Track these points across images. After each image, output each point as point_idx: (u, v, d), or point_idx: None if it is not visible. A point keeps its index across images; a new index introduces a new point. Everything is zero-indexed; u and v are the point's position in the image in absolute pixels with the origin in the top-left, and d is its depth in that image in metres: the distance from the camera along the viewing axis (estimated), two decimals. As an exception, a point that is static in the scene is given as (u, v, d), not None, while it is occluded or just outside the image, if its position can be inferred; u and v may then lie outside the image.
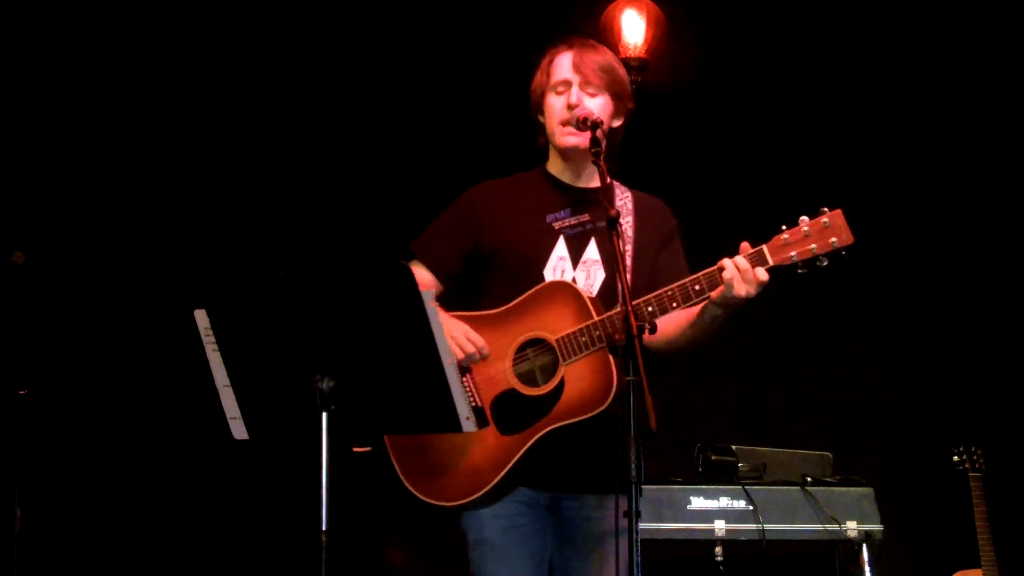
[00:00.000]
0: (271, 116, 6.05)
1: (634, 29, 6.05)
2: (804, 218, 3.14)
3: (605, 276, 3.36)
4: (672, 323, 3.31)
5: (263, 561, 5.83)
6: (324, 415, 2.83)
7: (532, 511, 3.34)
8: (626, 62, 5.97)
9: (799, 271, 3.13)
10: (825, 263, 3.13)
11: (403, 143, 6.06)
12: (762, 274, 3.11)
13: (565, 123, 3.34)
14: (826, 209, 3.14)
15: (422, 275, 3.41)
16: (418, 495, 3.31)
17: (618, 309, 3.16)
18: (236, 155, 6.05)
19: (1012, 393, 5.77)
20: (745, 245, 3.15)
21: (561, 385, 3.22)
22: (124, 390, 5.86)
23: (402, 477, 3.32)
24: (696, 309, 3.24)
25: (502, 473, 3.24)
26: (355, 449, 3.25)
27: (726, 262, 3.12)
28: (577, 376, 3.21)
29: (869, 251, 5.83)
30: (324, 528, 2.80)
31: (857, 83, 5.98)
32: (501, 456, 3.25)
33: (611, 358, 3.18)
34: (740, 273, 3.10)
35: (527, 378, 3.27)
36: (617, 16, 6.07)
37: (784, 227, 3.14)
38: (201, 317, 2.86)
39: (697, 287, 3.16)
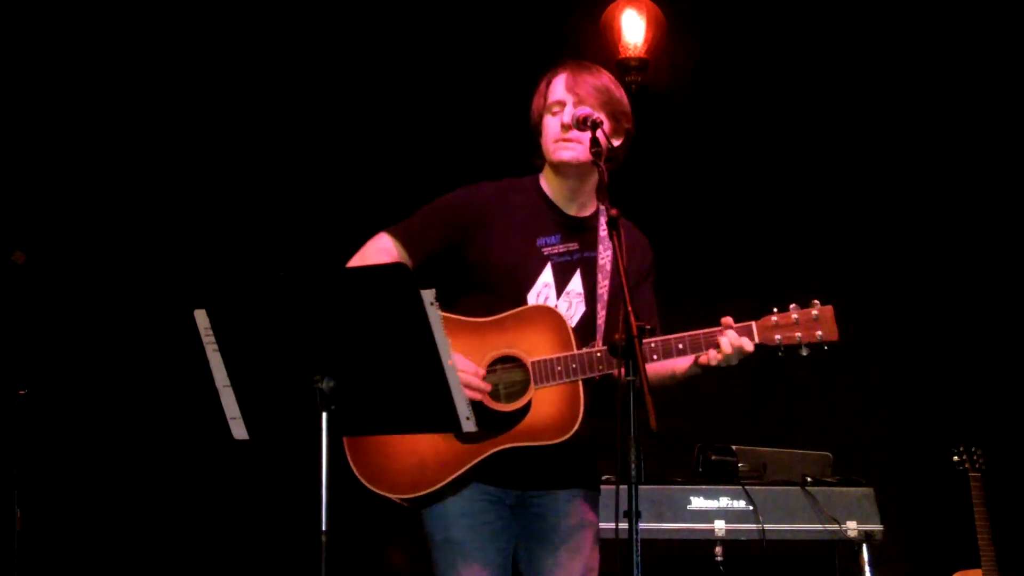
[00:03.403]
0: (271, 116, 6.05)
1: (634, 29, 6.05)
2: (794, 306, 3.26)
3: (585, 310, 3.37)
4: (652, 372, 3.31)
5: (263, 561, 5.83)
6: (324, 415, 2.83)
7: (497, 508, 3.35)
8: (626, 62, 5.99)
9: (779, 354, 3.27)
10: (805, 353, 3.27)
11: (403, 144, 6.06)
12: (748, 346, 3.21)
13: (559, 140, 3.34)
14: (817, 302, 3.27)
15: (392, 250, 3.37)
16: (361, 479, 3.32)
17: (596, 348, 3.23)
18: (236, 155, 6.05)
19: (1012, 393, 5.76)
20: (728, 320, 3.22)
21: (527, 407, 3.24)
22: (124, 390, 5.86)
23: (349, 458, 3.32)
24: (681, 364, 3.30)
25: (448, 479, 3.26)
26: None
27: (722, 340, 3.19)
28: (546, 402, 3.23)
29: (869, 251, 5.90)
30: (324, 528, 2.80)
31: (857, 83, 5.98)
32: (451, 461, 3.26)
33: (582, 393, 3.21)
34: (730, 349, 3.20)
35: (493, 392, 3.27)
36: (617, 16, 6.07)
37: (775, 309, 3.24)
38: (201, 317, 2.86)
39: (680, 346, 3.23)
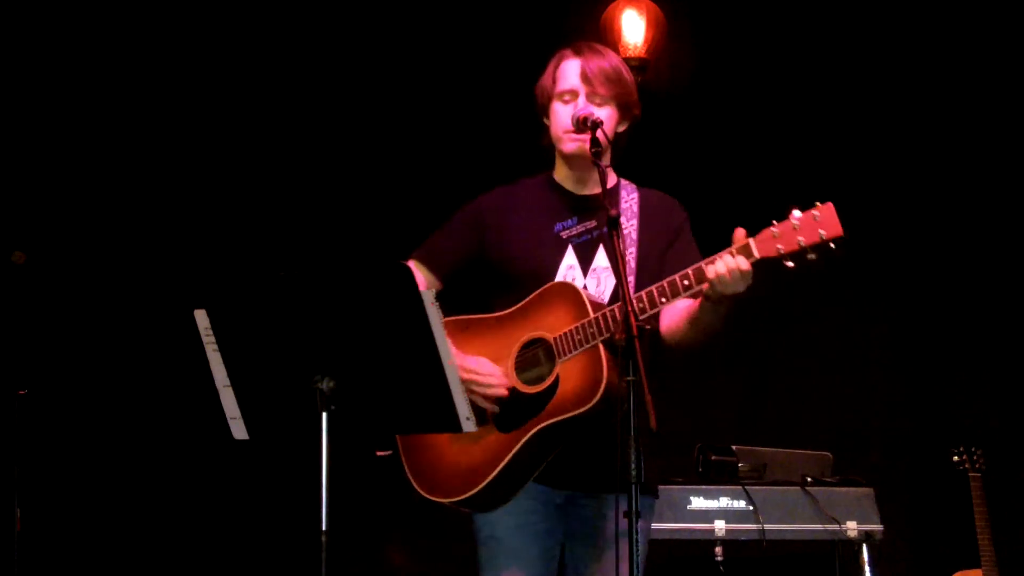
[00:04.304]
0: (271, 116, 6.05)
1: (634, 29, 6.05)
2: (795, 211, 3.07)
3: (615, 282, 3.35)
4: (675, 318, 3.31)
5: (263, 561, 5.83)
6: (324, 415, 2.83)
7: (545, 509, 3.34)
8: (626, 62, 5.98)
9: (787, 264, 3.05)
10: (813, 256, 3.03)
11: (402, 143, 6.06)
12: (743, 264, 3.05)
13: (569, 132, 3.33)
14: (819, 203, 3.06)
15: (420, 274, 3.42)
16: (420, 491, 3.34)
17: (608, 308, 3.18)
18: (236, 155, 6.05)
19: (1012, 393, 5.76)
20: (739, 232, 3.10)
21: (556, 383, 3.23)
22: (124, 390, 5.86)
23: (408, 473, 3.35)
24: (696, 304, 3.22)
25: (496, 471, 3.25)
26: (378, 453, 3.29)
27: (710, 270, 3.07)
28: (570, 373, 3.22)
29: (868, 250, 5.90)
30: (324, 528, 2.80)
31: (855, 82, 5.98)
32: (496, 454, 3.26)
33: (603, 355, 3.17)
34: (727, 272, 3.06)
35: (528, 377, 3.28)
36: (617, 16, 6.07)
37: (775, 221, 3.08)
38: (201, 317, 2.86)
39: (685, 282, 3.12)
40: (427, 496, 3.34)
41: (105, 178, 6.01)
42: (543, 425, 3.22)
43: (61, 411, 5.78)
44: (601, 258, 3.37)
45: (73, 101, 5.96)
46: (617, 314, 3.10)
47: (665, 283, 3.15)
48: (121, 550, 5.83)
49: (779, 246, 3.05)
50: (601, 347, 3.18)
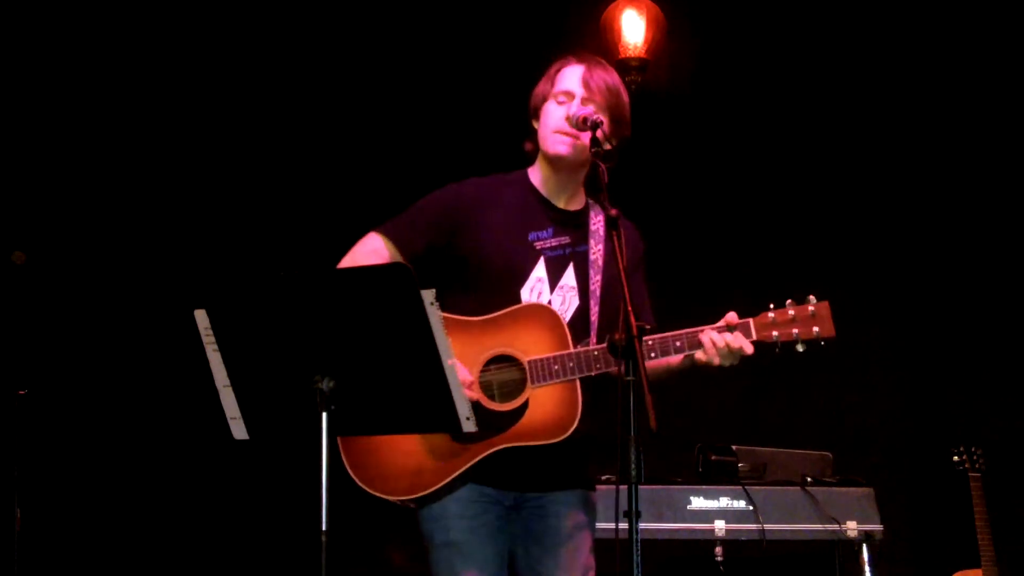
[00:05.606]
0: (270, 116, 6.05)
1: (634, 29, 6.05)
2: (790, 302, 3.25)
3: (579, 304, 3.36)
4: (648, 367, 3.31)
5: (263, 561, 5.83)
6: (324, 415, 2.83)
7: (496, 509, 3.34)
8: (626, 62, 6.00)
9: (776, 351, 3.25)
10: (802, 349, 3.25)
11: (402, 143, 6.06)
12: (748, 348, 3.20)
13: (558, 132, 3.33)
14: (813, 298, 3.25)
15: (384, 251, 3.37)
16: (356, 480, 3.30)
17: (593, 346, 3.22)
18: (235, 155, 6.05)
19: (1012, 393, 5.77)
20: (732, 316, 3.22)
21: (524, 406, 3.23)
22: (124, 390, 5.86)
23: (345, 460, 3.30)
24: (676, 358, 3.28)
25: (445, 480, 3.25)
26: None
27: (704, 338, 3.18)
28: (542, 401, 3.22)
29: (868, 250, 5.90)
30: (324, 528, 2.80)
31: (857, 82, 5.98)
32: (448, 463, 3.25)
33: (580, 393, 3.20)
34: (719, 349, 3.19)
35: (489, 392, 3.26)
36: (617, 16, 6.07)
37: (772, 305, 3.23)
38: (201, 317, 2.86)
39: (678, 343, 3.21)
40: (364, 487, 3.29)
41: (105, 178, 6.01)
42: (504, 446, 3.22)
43: (61, 411, 5.78)
44: (570, 276, 3.37)
45: (73, 101, 5.96)
46: (598, 356, 3.19)
47: (657, 341, 3.20)
48: (121, 550, 5.83)
49: (775, 334, 3.24)
50: (578, 383, 3.21)
